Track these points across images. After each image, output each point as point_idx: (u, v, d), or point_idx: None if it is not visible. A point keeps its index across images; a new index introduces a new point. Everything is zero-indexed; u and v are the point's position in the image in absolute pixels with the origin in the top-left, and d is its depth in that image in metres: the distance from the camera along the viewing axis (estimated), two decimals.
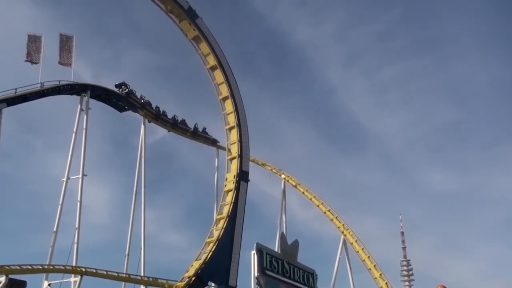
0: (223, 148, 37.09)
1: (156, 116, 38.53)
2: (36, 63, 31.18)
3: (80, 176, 37.21)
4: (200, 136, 41.79)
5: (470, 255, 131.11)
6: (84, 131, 32.22)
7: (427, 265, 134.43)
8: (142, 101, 37.32)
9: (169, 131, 40.66)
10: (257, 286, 8.59)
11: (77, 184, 37.12)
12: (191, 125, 41.21)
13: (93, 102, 34.37)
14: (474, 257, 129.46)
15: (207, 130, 42.27)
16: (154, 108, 38.39)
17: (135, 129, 41.04)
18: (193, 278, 21.91)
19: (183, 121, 40.89)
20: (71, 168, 33.14)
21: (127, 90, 36.27)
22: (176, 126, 40.26)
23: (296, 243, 9.86)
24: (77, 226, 39.37)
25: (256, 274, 8.49)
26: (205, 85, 34.17)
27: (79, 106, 32.60)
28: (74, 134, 31.79)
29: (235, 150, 28.68)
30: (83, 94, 32.41)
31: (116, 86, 36.43)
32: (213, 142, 42.21)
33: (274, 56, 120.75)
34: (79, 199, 36.50)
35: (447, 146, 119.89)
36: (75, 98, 33.50)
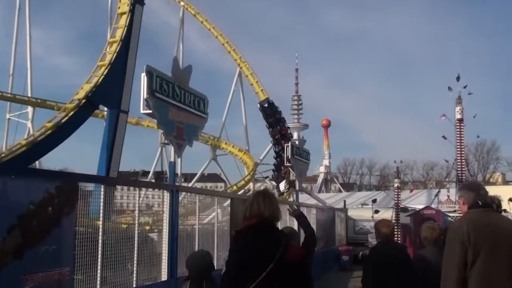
0: None
1: None
2: None
3: None
4: None
5: (355, 93, 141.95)
6: None
7: (316, 100, 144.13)
8: None
9: None
10: (146, 108, 8.57)
11: None
12: None
13: None
14: (358, 95, 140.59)
15: None
16: None
17: None
18: (84, 101, 21.47)
19: None
20: None
21: None
22: None
23: (189, 68, 9.75)
24: None
25: (145, 96, 8.39)
26: None
27: None
28: None
29: None
30: None
31: None
32: None
33: None
34: None
35: None
36: None
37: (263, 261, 3.74)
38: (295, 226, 7.62)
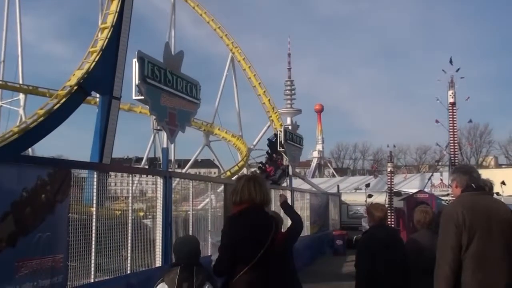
0: None
1: None
2: None
3: None
4: None
5: (348, 78, 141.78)
6: None
7: (308, 85, 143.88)
8: None
9: None
10: (138, 94, 8.51)
11: None
12: None
13: None
14: (351, 80, 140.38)
15: None
16: None
17: None
18: (76, 87, 21.28)
19: None
20: None
21: None
22: None
23: (181, 54, 9.68)
24: None
25: (137, 82, 8.33)
26: None
27: None
28: None
29: None
30: None
31: None
32: None
33: None
34: None
35: None
36: None
37: (255, 246, 3.79)
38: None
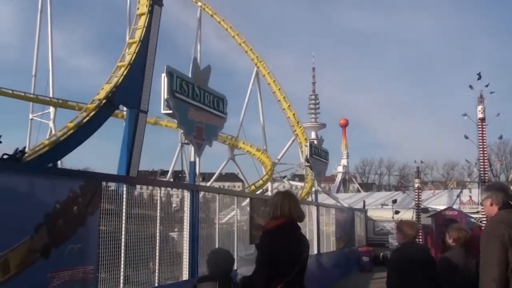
0: None
1: None
2: None
3: None
4: None
5: (373, 92, 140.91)
6: None
7: (333, 99, 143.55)
8: None
9: None
10: (166, 108, 8.62)
11: None
12: None
13: None
14: (377, 94, 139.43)
15: None
16: None
17: None
18: (104, 101, 21.69)
19: None
20: None
21: None
22: None
23: (208, 69, 9.79)
24: None
25: (165, 97, 8.44)
26: None
27: None
28: None
29: None
30: None
31: None
32: None
33: None
34: None
35: None
36: None
37: (292, 260, 3.80)
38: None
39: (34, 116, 38.50)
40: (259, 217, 5.57)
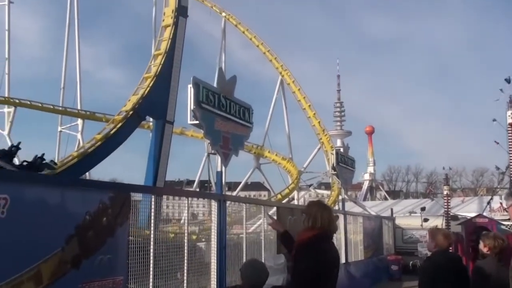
0: None
1: None
2: None
3: (6, 2, 34.50)
4: None
5: (399, 99, 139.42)
6: None
7: (358, 107, 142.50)
8: None
9: None
10: (193, 118, 8.67)
11: (3, 11, 34.52)
12: None
13: None
14: (402, 101, 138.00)
15: None
16: None
17: None
18: (131, 112, 22.02)
19: None
20: None
21: None
22: None
23: (234, 79, 9.82)
24: (7, 56, 37.56)
25: (192, 107, 8.49)
26: None
27: None
28: None
29: None
30: None
31: None
32: None
33: None
34: (7, 27, 34.25)
35: None
36: None
37: (333, 268, 3.89)
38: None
39: (62, 128, 39.28)
40: (273, 219, 5.56)
